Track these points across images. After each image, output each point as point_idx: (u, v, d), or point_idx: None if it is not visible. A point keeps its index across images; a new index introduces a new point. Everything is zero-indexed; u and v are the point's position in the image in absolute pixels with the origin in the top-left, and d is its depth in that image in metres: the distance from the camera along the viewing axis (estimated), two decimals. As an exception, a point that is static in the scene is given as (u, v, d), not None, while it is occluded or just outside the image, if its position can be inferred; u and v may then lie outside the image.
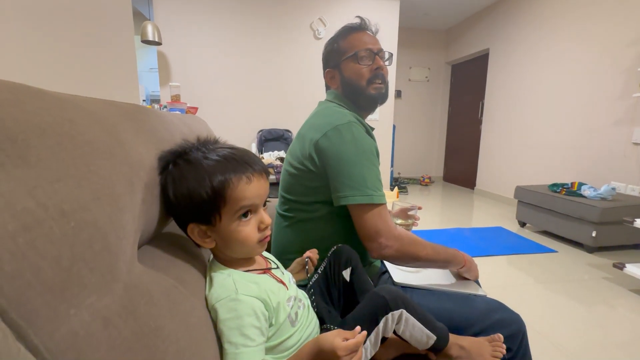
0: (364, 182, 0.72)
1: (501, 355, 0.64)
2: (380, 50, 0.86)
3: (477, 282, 0.86)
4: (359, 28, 0.88)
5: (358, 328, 0.48)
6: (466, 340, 0.66)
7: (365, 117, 0.89)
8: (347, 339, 0.46)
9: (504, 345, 0.65)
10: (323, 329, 0.60)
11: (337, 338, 0.46)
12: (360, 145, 0.74)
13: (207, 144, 0.51)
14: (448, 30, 4.99)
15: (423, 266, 0.79)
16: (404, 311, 0.57)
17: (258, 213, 0.50)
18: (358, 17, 0.90)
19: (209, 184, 0.45)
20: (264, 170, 0.51)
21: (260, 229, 0.50)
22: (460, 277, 0.86)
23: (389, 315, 0.56)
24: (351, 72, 0.84)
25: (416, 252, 0.74)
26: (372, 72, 0.84)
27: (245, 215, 0.48)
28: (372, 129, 0.87)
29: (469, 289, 0.80)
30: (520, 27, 3.56)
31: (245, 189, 0.47)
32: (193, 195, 0.45)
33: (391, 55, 0.91)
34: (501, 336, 0.66)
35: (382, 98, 0.86)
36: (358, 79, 0.84)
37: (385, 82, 0.87)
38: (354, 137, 0.74)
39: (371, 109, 0.89)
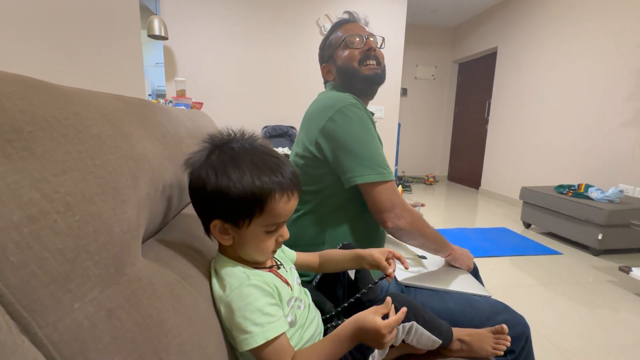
0: (373, 160, 0.74)
1: (504, 348, 0.64)
2: (371, 35, 0.87)
3: (481, 282, 0.86)
4: (348, 21, 0.90)
5: (389, 299, 0.46)
6: (467, 334, 0.66)
7: (366, 104, 0.90)
8: (384, 314, 0.45)
9: (508, 338, 0.64)
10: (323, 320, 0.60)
11: (376, 316, 0.45)
12: (366, 125, 0.76)
13: (253, 141, 0.49)
14: (456, 28, 4.93)
15: (420, 245, 0.83)
16: (415, 323, 0.57)
17: (282, 227, 0.50)
18: (346, 12, 0.93)
19: (251, 190, 0.43)
20: (299, 186, 0.50)
21: (277, 242, 0.50)
22: (453, 266, 0.89)
23: (400, 326, 0.56)
24: (343, 57, 0.86)
25: (423, 228, 0.78)
26: (362, 53, 0.85)
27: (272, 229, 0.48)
28: (373, 113, 0.87)
29: (473, 290, 0.80)
30: (529, 25, 3.51)
31: (284, 207, 0.46)
32: (231, 195, 0.43)
33: (383, 39, 0.92)
34: (505, 327, 0.65)
35: (378, 78, 0.87)
36: (350, 62, 0.85)
37: (381, 65, 0.87)
38: (359, 118, 0.75)
39: (369, 92, 0.89)
